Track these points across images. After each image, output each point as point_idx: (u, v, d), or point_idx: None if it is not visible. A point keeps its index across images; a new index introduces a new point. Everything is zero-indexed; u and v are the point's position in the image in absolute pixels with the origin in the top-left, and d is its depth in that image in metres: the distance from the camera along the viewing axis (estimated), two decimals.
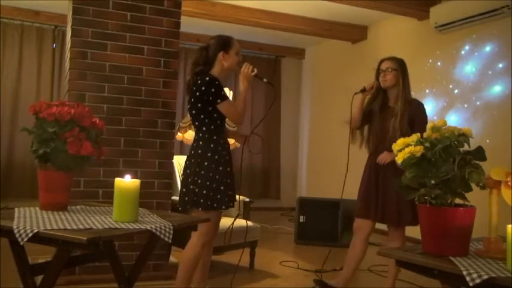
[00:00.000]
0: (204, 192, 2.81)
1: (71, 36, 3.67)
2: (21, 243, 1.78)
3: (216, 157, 2.86)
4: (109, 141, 3.61)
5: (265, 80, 3.07)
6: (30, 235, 1.74)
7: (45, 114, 2.14)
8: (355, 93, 3.39)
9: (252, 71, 2.93)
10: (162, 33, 3.86)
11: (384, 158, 3.26)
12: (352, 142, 3.50)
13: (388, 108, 3.37)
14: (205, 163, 2.84)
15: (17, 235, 1.75)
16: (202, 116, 2.88)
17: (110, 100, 3.72)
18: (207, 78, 2.85)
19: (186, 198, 2.88)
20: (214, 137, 2.89)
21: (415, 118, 3.25)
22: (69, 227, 1.82)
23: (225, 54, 2.93)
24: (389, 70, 3.33)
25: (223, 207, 2.84)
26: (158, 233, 1.91)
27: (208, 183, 2.82)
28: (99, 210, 2.26)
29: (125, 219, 1.98)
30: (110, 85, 3.73)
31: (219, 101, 2.83)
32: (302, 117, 8.92)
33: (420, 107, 3.35)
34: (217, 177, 2.83)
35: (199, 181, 2.83)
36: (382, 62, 3.41)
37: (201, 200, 2.82)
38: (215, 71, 2.95)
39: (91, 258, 2.59)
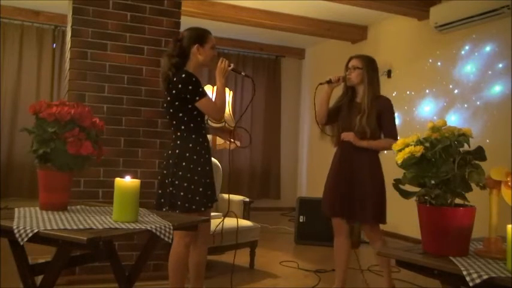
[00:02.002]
0: (182, 194, 2.70)
1: (71, 36, 3.68)
2: (21, 243, 1.77)
3: (195, 157, 2.75)
4: (109, 141, 3.61)
5: (243, 73, 3.02)
6: (30, 235, 1.74)
7: (45, 114, 2.13)
8: (320, 84, 3.34)
9: (229, 65, 2.85)
10: (162, 33, 3.86)
11: (348, 135, 3.24)
12: (322, 138, 3.49)
13: (356, 104, 3.34)
14: (183, 163, 2.73)
15: (17, 235, 1.75)
16: (180, 115, 2.77)
17: (110, 100, 3.73)
18: (183, 75, 2.72)
19: (163, 200, 2.78)
20: (193, 136, 2.78)
21: (383, 114, 3.25)
22: (69, 227, 1.81)
23: (200, 48, 2.81)
24: (354, 68, 3.31)
25: (202, 209, 2.73)
26: (158, 233, 1.91)
27: (185, 184, 2.71)
28: (99, 210, 2.26)
29: (124, 219, 1.97)
30: (110, 85, 3.73)
31: (197, 98, 2.72)
32: (302, 117, 8.92)
33: (387, 102, 3.31)
34: (195, 178, 2.72)
35: (176, 182, 2.72)
36: (350, 60, 3.39)
37: (179, 203, 2.70)
38: (190, 64, 2.83)
39: (91, 258, 2.58)
